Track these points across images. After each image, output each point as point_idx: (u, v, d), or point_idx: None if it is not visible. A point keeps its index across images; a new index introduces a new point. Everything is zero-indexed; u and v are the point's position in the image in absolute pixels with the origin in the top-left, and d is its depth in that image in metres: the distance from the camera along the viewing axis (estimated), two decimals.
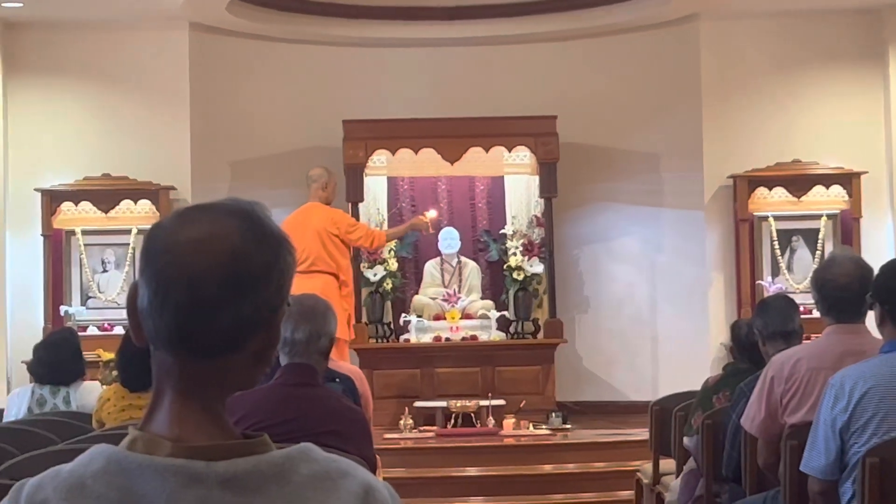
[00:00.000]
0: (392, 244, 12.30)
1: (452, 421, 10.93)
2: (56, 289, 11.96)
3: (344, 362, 7.85)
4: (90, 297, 12.01)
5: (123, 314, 1.80)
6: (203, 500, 1.61)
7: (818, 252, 12.06)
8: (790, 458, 4.84)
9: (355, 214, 11.89)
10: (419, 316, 12.09)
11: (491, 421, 10.84)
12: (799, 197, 12.26)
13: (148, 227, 1.73)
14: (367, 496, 1.70)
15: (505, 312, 12.26)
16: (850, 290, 4.98)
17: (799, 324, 5.80)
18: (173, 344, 1.68)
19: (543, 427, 11.00)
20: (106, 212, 12.01)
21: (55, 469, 1.66)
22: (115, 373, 7.07)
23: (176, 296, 1.66)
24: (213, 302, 1.66)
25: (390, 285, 12.36)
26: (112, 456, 1.63)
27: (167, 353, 1.70)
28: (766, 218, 12.27)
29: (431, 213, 11.75)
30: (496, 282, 12.74)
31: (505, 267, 12.50)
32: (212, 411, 1.69)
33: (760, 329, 5.83)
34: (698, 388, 6.81)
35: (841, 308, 5.04)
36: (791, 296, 6.51)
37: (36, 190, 11.94)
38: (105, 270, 12.08)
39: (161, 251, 1.69)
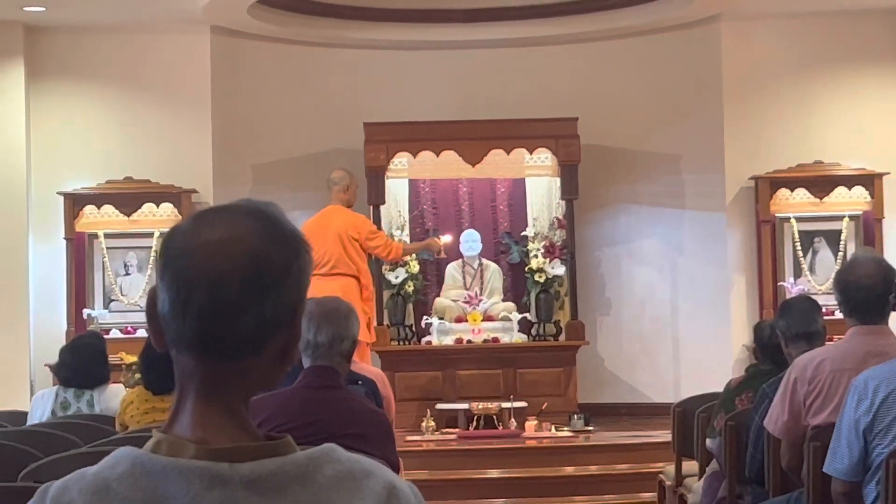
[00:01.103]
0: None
1: (474, 423, 10.92)
2: (79, 292, 12.00)
3: (366, 364, 7.85)
4: (113, 301, 12.05)
5: (145, 317, 1.79)
6: (227, 502, 1.61)
7: (840, 253, 12.03)
8: (813, 460, 4.83)
9: (377, 217, 11.91)
10: (441, 318, 12.09)
11: (513, 423, 10.84)
12: (821, 198, 12.23)
13: None
14: (391, 496, 1.70)
15: (527, 314, 12.25)
16: (873, 291, 4.97)
17: (822, 325, 5.79)
18: (196, 347, 1.69)
19: (565, 429, 10.99)
20: (128, 215, 12.05)
21: (80, 472, 1.67)
22: (137, 376, 7.09)
23: (198, 299, 1.67)
24: (235, 304, 1.67)
25: (412, 288, 12.37)
26: (137, 458, 1.64)
27: (189, 357, 1.70)
28: (787, 219, 12.24)
29: (446, 238, 11.85)
30: (518, 284, 12.73)
31: (526, 269, 12.49)
32: (235, 413, 1.70)
33: (783, 330, 5.81)
34: (720, 389, 6.80)
35: (865, 309, 5.03)
36: (813, 297, 6.50)
37: (59, 193, 11.98)
38: (127, 273, 12.12)
39: (180, 255, 1.69)
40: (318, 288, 10.51)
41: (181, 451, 1.64)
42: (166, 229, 12.84)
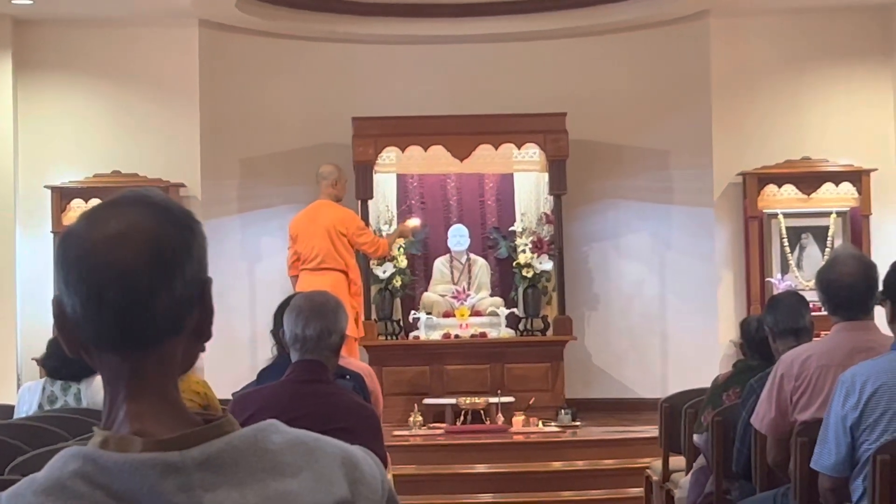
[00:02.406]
0: (401, 241, 12.33)
1: (462, 418, 10.93)
2: None
3: (353, 359, 7.86)
4: None
5: (55, 328, 1.79)
6: (185, 486, 1.62)
7: (827, 249, 12.04)
8: (800, 456, 4.84)
9: (364, 212, 11.92)
10: (428, 313, 12.10)
11: (500, 418, 10.85)
12: (808, 194, 12.26)
13: None
14: (346, 453, 1.75)
15: (514, 309, 12.25)
16: (856, 289, 4.99)
17: (809, 321, 5.80)
18: (117, 342, 1.70)
19: (553, 424, 11.01)
20: None
21: (29, 478, 1.67)
22: None
23: (111, 294, 1.67)
24: (148, 291, 1.68)
25: (400, 282, 12.36)
26: (87, 456, 1.64)
27: (112, 354, 1.71)
28: (775, 215, 12.26)
29: (414, 221, 12.09)
30: (505, 279, 12.74)
31: (514, 264, 12.49)
32: (170, 400, 1.72)
33: (771, 326, 5.83)
34: (708, 385, 6.81)
35: (848, 307, 5.04)
36: (801, 293, 6.51)
37: (46, 187, 11.96)
38: None
39: (82, 255, 1.70)
40: (308, 282, 10.56)
41: (129, 446, 1.64)
42: None
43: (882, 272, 4.76)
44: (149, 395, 1.70)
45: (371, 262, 12.12)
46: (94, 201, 11.96)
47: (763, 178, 12.28)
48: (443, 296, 12.22)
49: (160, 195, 1.75)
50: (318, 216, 11.05)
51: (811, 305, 6.05)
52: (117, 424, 1.70)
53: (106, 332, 1.70)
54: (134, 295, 1.68)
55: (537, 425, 10.85)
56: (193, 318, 1.73)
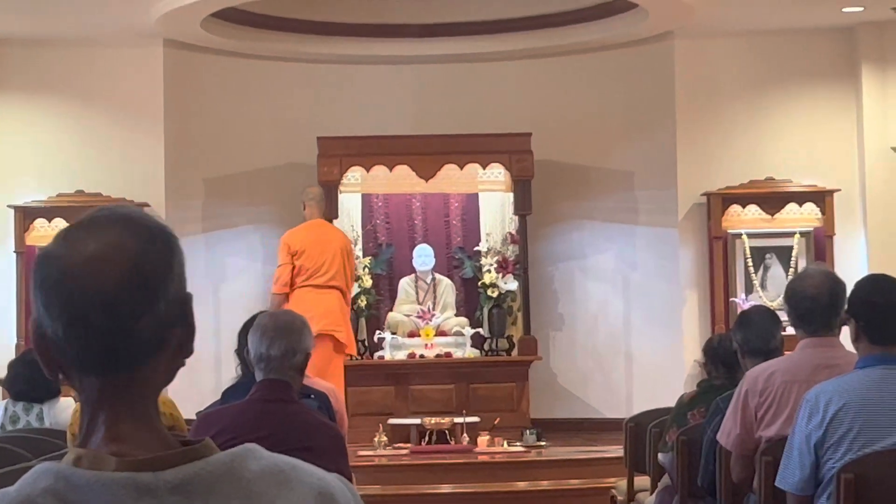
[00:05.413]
0: (367, 261, 12.34)
1: (427, 438, 10.91)
2: (28, 306, 11.90)
3: (318, 378, 7.83)
4: None
5: (35, 351, 1.76)
6: None
7: (791, 269, 12.09)
8: (765, 474, 4.85)
9: None
10: (393, 333, 12.09)
11: (465, 438, 10.83)
12: (772, 214, 12.31)
13: None
14: (322, 484, 1.72)
15: (479, 329, 12.26)
16: (818, 301, 5.00)
17: (780, 340, 5.80)
18: (102, 364, 1.68)
19: (518, 444, 10.99)
20: None
21: (1, 492, 1.65)
22: None
23: (95, 320, 1.65)
24: (132, 314, 1.66)
25: (365, 302, 12.35)
26: (59, 473, 1.62)
27: (94, 377, 1.69)
28: (739, 235, 12.31)
29: None
30: (470, 299, 12.74)
31: (479, 284, 12.49)
32: (148, 421, 1.70)
33: (741, 343, 5.82)
34: (672, 404, 6.82)
35: (810, 319, 5.05)
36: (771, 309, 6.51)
37: (9, 206, 11.91)
38: None
39: (62, 278, 1.67)
40: (314, 299, 10.72)
41: (103, 465, 1.62)
42: None
43: (848, 291, 4.78)
44: (128, 417, 1.69)
45: None
46: (58, 220, 11.95)
47: (727, 199, 12.33)
48: (408, 315, 12.21)
49: (137, 211, 1.73)
50: (330, 235, 11.17)
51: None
52: (93, 443, 1.68)
53: (89, 356, 1.67)
54: (118, 319, 1.66)
55: (502, 445, 10.84)
56: (176, 335, 1.72)
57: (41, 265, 1.70)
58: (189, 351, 1.75)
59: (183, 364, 1.76)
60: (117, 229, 1.69)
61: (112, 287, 1.65)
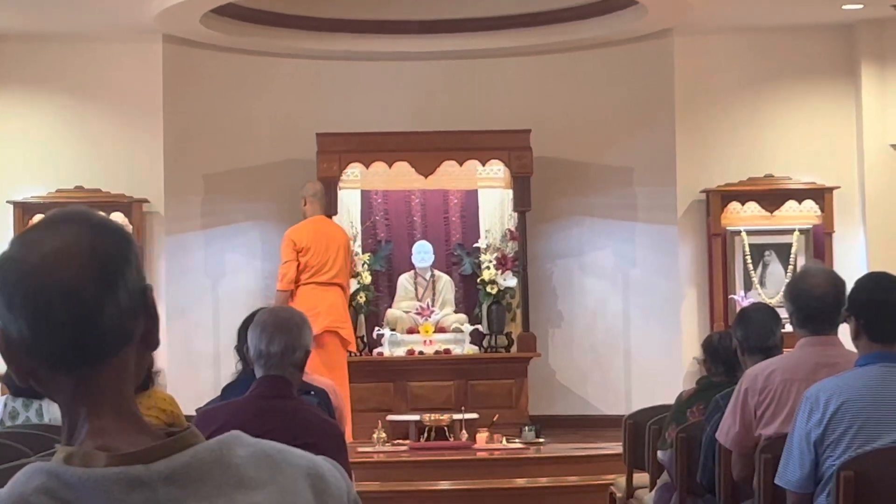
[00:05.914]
0: (366, 258, 12.34)
1: (426, 435, 10.92)
2: None
3: (318, 375, 7.83)
4: None
5: (2, 357, 1.77)
6: (151, 500, 1.62)
7: (790, 267, 12.10)
8: (764, 471, 4.85)
9: None
10: (392, 329, 12.09)
11: (464, 435, 10.84)
12: (771, 212, 12.31)
13: None
14: (312, 464, 1.75)
15: (478, 326, 12.25)
16: (825, 301, 4.99)
17: (780, 337, 5.79)
18: (71, 361, 1.69)
19: (517, 441, 11.00)
20: None
21: None
22: None
23: (58, 313, 1.67)
24: (95, 304, 1.68)
25: (364, 298, 12.34)
26: (51, 471, 1.63)
27: (66, 375, 1.70)
28: (738, 232, 12.31)
29: None
30: (469, 296, 12.73)
31: (478, 281, 12.49)
32: (128, 413, 1.71)
33: (740, 340, 5.81)
34: (671, 401, 6.82)
35: (817, 320, 5.05)
36: (771, 306, 6.50)
37: (8, 202, 11.90)
38: None
39: (23, 278, 1.68)
40: (318, 296, 10.86)
41: (94, 461, 1.63)
42: None
43: (847, 289, 4.78)
44: (109, 410, 1.70)
45: None
46: None
47: (726, 196, 12.33)
48: (407, 312, 12.21)
49: (89, 210, 1.76)
50: (332, 232, 11.30)
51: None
52: (80, 441, 1.69)
53: (58, 352, 1.68)
54: (81, 310, 1.67)
55: (501, 442, 10.84)
56: (140, 324, 1.73)
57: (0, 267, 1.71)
58: (155, 342, 1.76)
59: (151, 358, 1.78)
60: (72, 226, 1.71)
61: (72, 280, 1.67)
